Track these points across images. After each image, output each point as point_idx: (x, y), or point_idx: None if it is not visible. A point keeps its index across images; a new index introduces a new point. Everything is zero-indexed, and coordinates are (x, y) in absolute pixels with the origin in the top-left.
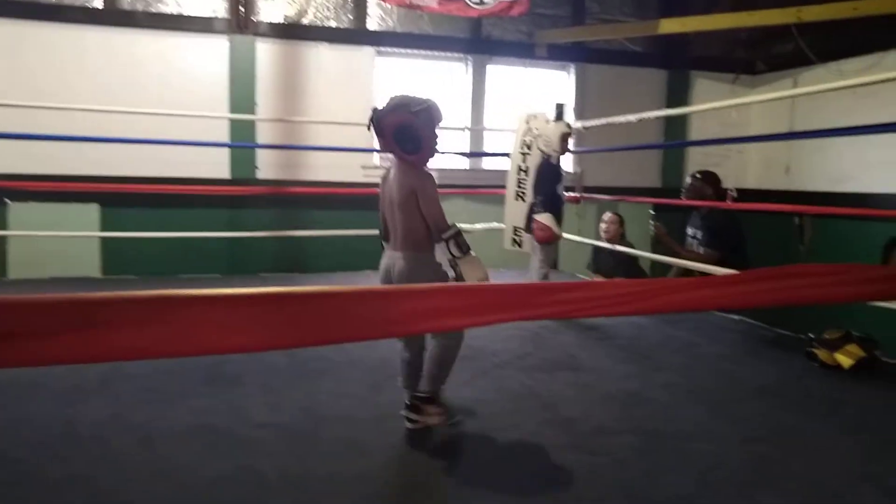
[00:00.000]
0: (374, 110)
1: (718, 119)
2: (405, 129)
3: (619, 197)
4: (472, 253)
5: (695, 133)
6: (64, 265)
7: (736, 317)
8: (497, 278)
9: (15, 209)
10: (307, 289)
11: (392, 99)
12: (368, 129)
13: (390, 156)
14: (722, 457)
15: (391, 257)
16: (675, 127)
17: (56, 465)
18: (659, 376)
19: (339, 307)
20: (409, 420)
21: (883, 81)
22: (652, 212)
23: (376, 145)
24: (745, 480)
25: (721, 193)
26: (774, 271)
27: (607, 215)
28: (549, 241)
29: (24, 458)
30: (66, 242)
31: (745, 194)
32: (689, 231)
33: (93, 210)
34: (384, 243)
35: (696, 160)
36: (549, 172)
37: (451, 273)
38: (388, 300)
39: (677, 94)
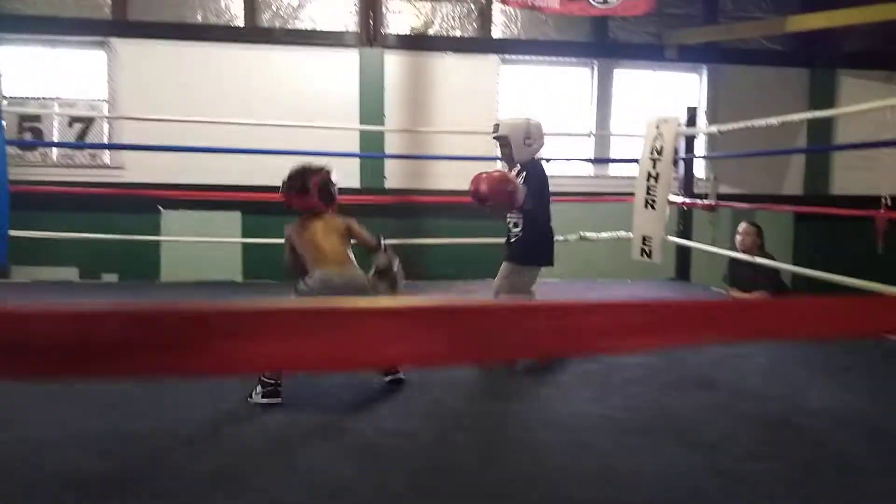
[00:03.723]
0: (303, 171)
1: (870, 121)
2: (330, 183)
3: (756, 205)
4: None
5: (842, 136)
6: (209, 269)
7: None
8: (624, 290)
9: (167, 217)
10: (479, 303)
11: (303, 165)
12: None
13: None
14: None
15: (344, 275)
16: (820, 130)
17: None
18: (809, 399)
19: (512, 322)
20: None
21: None
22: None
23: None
24: None
25: None
26: None
27: (742, 226)
28: None
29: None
30: (211, 248)
31: None
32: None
33: (235, 217)
34: (318, 269)
35: (844, 164)
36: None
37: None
38: (569, 315)
39: (822, 94)
